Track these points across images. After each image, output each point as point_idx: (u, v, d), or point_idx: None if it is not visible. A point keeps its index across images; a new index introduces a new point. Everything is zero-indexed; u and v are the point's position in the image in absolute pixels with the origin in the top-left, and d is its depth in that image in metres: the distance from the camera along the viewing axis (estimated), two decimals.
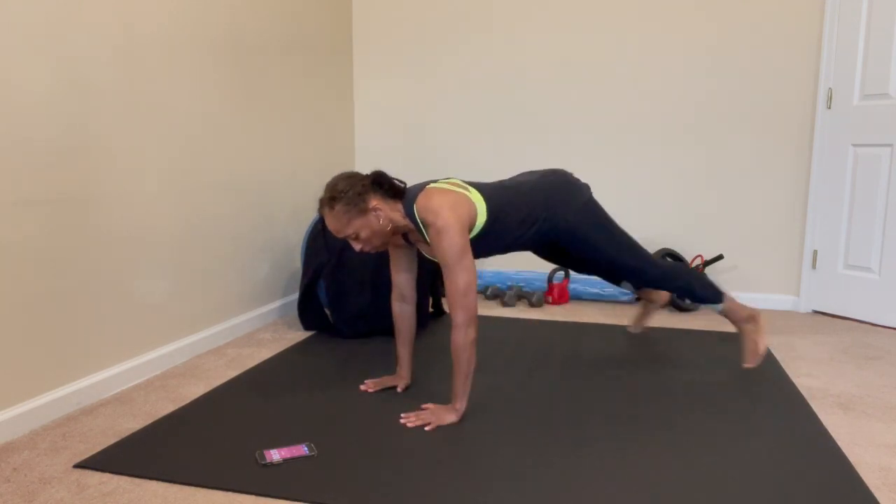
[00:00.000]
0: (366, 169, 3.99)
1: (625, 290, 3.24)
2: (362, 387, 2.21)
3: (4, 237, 1.82)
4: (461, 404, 1.95)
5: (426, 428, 1.89)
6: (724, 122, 3.43)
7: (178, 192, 2.50)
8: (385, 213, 1.95)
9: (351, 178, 1.93)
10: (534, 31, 3.62)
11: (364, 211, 1.92)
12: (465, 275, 1.85)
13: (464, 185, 2.03)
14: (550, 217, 2.12)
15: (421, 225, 1.93)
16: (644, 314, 2.87)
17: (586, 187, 2.24)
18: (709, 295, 2.36)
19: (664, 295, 2.74)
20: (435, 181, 2.05)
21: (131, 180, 2.27)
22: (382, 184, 1.95)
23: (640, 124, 3.54)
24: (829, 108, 3.21)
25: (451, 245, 1.85)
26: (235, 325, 2.86)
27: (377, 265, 2.78)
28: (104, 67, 2.13)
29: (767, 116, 3.36)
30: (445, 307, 3.40)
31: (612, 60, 3.53)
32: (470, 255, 1.88)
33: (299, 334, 2.92)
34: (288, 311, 3.31)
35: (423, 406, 2.03)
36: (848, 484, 1.59)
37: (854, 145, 3.13)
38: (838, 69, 3.16)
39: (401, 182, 2.03)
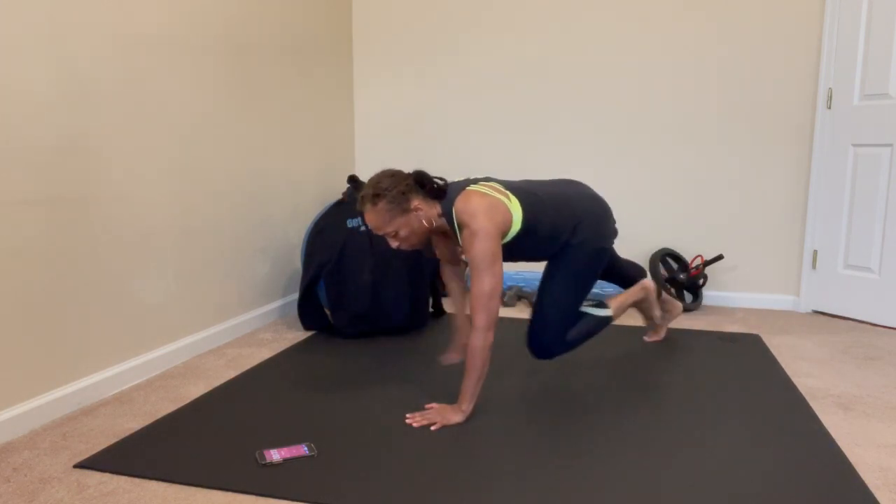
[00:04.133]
0: (366, 169, 3.99)
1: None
2: (444, 360, 2.33)
3: (4, 237, 1.82)
4: (468, 406, 1.95)
5: (432, 428, 1.89)
6: (724, 121, 3.42)
7: (178, 192, 2.50)
8: (425, 213, 1.96)
9: (395, 177, 1.95)
10: (534, 31, 3.62)
11: (406, 210, 1.94)
12: (493, 280, 1.86)
13: (503, 190, 2.02)
14: (572, 244, 2.11)
15: (457, 226, 1.95)
16: (661, 327, 2.80)
17: (613, 233, 2.22)
18: (601, 326, 2.34)
19: (652, 299, 2.68)
20: (475, 181, 2.05)
21: (131, 180, 2.27)
22: (424, 184, 1.97)
23: (640, 124, 3.54)
24: (829, 108, 3.21)
25: (482, 249, 1.86)
26: (235, 325, 2.86)
27: (377, 265, 2.78)
28: (104, 68, 2.13)
29: (767, 116, 3.36)
30: (446, 307, 3.40)
31: (612, 61, 3.53)
32: (500, 261, 1.89)
33: (299, 334, 2.92)
34: (288, 311, 3.31)
35: (428, 406, 2.03)
36: (848, 484, 1.59)
37: (854, 145, 3.13)
38: (838, 69, 3.16)
39: (441, 180, 2.04)
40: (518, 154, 3.74)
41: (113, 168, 2.18)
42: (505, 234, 1.97)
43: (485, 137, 3.77)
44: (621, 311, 2.42)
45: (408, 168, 3.90)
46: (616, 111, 3.56)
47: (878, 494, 1.56)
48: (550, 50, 3.61)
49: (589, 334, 2.30)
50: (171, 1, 2.41)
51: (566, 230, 2.09)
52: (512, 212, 1.97)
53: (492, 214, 1.90)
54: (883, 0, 2.96)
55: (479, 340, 1.88)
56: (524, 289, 3.63)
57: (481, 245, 1.85)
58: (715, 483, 1.59)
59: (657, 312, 2.68)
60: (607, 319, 2.35)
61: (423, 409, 2.03)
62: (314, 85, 3.47)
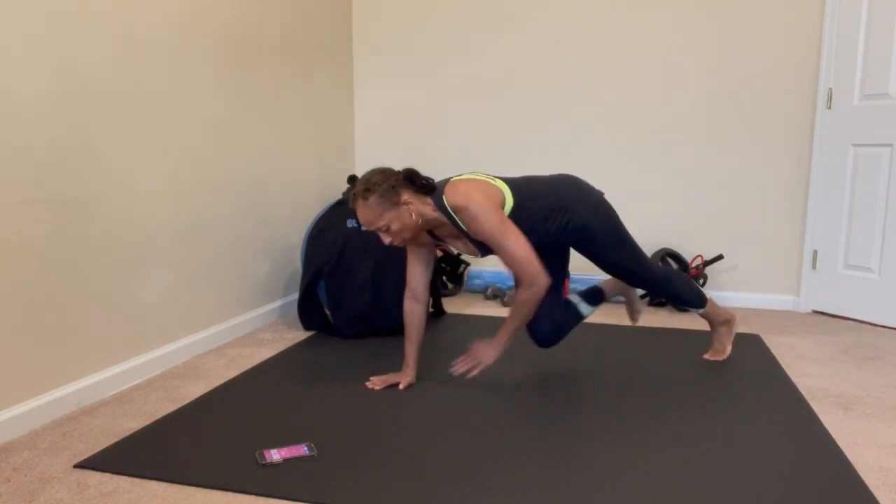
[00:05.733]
0: (366, 169, 3.99)
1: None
2: (368, 384, 2.24)
3: (4, 237, 1.82)
4: (502, 345, 2.08)
5: (470, 374, 2.08)
6: (724, 121, 3.42)
7: (178, 191, 2.50)
8: (416, 207, 2.00)
9: (385, 173, 2.00)
10: (534, 31, 3.62)
11: (396, 204, 1.97)
12: (515, 240, 1.94)
13: (488, 175, 2.10)
14: (570, 211, 2.13)
15: (453, 214, 1.98)
16: (633, 309, 2.79)
17: (597, 190, 2.27)
18: (694, 300, 2.41)
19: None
20: (459, 175, 2.12)
21: (131, 180, 2.27)
22: (414, 180, 2.01)
23: (640, 124, 3.54)
24: (829, 108, 3.21)
25: (489, 221, 1.92)
26: (235, 325, 2.86)
27: (377, 266, 2.78)
28: (104, 68, 2.13)
29: (767, 116, 3.36)
30: (446, 307, 3.40)
31: (612, 61, 3.53)
32: (511, 224, 1.96)
33: (299, 334, 2.92)
34: (288, 311, 3.31)
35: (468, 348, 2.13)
36: (848, 484, 1.59)
37: (854, 145, 3.13)
38: (838, 69, 3.16)
39: (430, 179, 2.09)
40: (518, 154, 3.73)
41: (113, 168, 2.18)
42: (502, 206, 2.03)
43: (485, 137, 3.77)
44: (709, 315, 2.53)
45: (412, 168, 3.90)
46: (616, 111, 3.56)
47: (878, 494, 1.56)
48: (551, 50, 3.61)
49: (678, 289, 2.38)
50: (172, 1, 2.41)
51: (557, 199, 2.12)
52: (501, 189, 2.05)
53: (483, 191, 1.99)
54: (883, 0, 2.96)
55: (527, 295, 1.97)
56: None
57: (486, 217, 1.92)
58: (715, 483, 1.59)
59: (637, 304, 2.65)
60: (703, 301, 2.45)
61: (457, 361, 2.13)
62: (314, 85, 3.47)
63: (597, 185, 3.63)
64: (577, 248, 2.25)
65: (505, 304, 3.44)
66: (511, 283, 3.65)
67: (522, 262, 1.94)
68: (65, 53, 1.98)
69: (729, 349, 2.56)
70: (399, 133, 3.91)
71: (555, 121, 3.66)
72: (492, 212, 1.93)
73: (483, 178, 2.07)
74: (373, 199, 1.95)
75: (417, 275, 2.22)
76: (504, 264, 1.97)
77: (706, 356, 2.57)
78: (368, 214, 1.98)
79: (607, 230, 2.19)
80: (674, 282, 2.35)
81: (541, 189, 2.13)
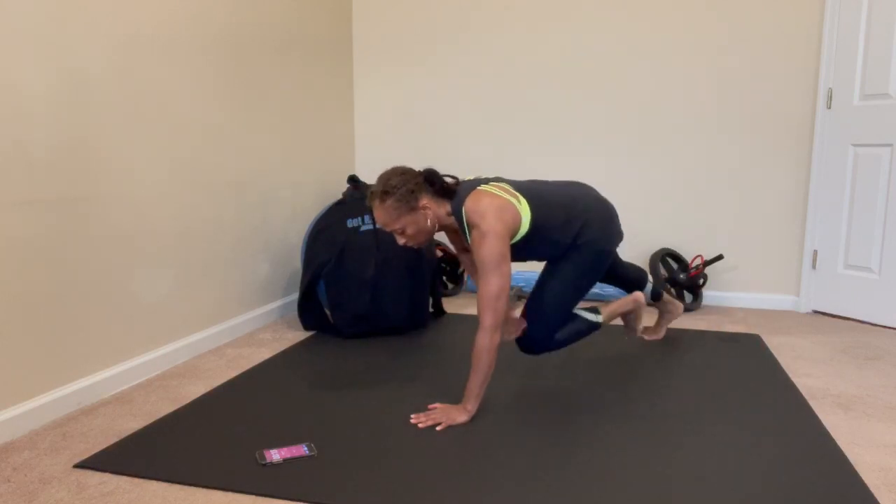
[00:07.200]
0: (366, 169, 3.99)
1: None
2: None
3: (4, 237, 1.82)
4: (473, 406, 1.95)
5: (437, 428, 1.89)
6: (724, 122, 3.42)
7: (178, 191, 2.50)
8: (433, 212, 1.98)
9: (405, 175, 1.96)
10: (535, 31, 3.62)
11: (414, 209, 1.95)
12: (500, 280, 1.87)
13: (512, 191, 2.03)
14: (578, 244, 2.11)
15: (466, 225, 1.96)
16: (634, 330, 2.69)
17: (618, 235, 2.21)
18: (591, 328, 2.34)
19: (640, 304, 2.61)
20: (485, 181, 2.06)
21: (131, 180, 2.27)
22: (434, 182, 1.98)
23: (640, 124, 3.54)
24: (829, 108, 3.21)
25: (491, 251, 1.86)
26: (235, 325, 2.86)
27: (377, 266, 2.78)
28: (104, 68, 2.13)
29: (767, 116, 3.36)
30: (446, 307, 3.40)
31: (611, 61, 3.53)
32: (508, 261, 1.90)
33: (299, 334, 2.92)
34: (288, 311, 3.31)
35: (431, 406, 2.03)
36: (848, 484, 1.59)
37: (854, 145, 3.13)
38: (838, 69, 3.16)
39: (452, 178, 2.06)
40: (519, 153, 3.73)
41: (113, 168, 2.18)
42: (514, 234, 1.99)
43: (485, 137, 3.77)
44: (611, 318, 2.43)
45: (412, 167, 3.90)
46: (616, 111, 3.56)
47: (877, 494, 1.56)
48: (551, 49, 3.61)
49: (578, 335, 2.31)
50: (171, 1, 2.41)
51: (573, 231, 2.09)
52: (521, 213, 1.99)
53: (501, 215, 1.92)
54: (883, 0, 2.96)
55: (486, 340, 1.88)
56: (524, 289, 3.62)
57: (490, 246, 1.86)
58: (715, 483, 1.59)
59: (640, 326, 2.58)
60: (596, 325, 2.36)
61: (427, 409, 2.03)
62: (314, 85, 3.47)
63: (598, 185, 3.63)
64: (548, 263, 2.20)
65: None
66: (511, 283, 3.65)
67: (497, 299, 1.86)
68: (65, 54, 1.98)
69: (640, 326, 2.56)
70: (399, 133, 3.90)
71: (555, 121, 3.65)
72: (499, 241, 1.87)
73: (508, 195, 1.98)
74: (390, 202, 1.94)
75: (459, 242, 2.25)
76: (477, 296, 1.90)
77: (645, 336, 2.72)
78: (385, 216, 1.96)
79: (573, 272, 2.14)
80: (563, 344, 2.27)
81: (561, 216, 2.06)
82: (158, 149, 2.38)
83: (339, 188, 3.80)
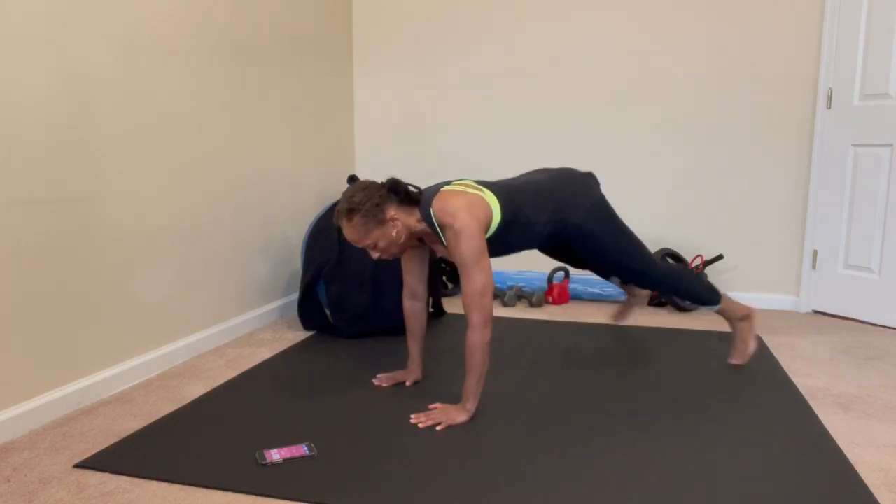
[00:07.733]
0: (366, 169, 3.99)
1: (621, 289, 3.23)
2: (375, 381, 2.25)
3: (4, 237, 1.82)
4: (472, 404, 1.95)
5: (437, 428, 1.89)
6: (724, 121, 3.42)
7: (178, 192, 2.50)
8: (402, 221, 1.96)
9: (368, 190, 1.94)
10: (535, 30, 3.62)
11: (382, 222, 1.93)
12: (483, 276, 1.86)
13: (477, 185, 2.03)
14: (560, 218, 2.12)
15: (438, 228, 1.94)
16: (627, 308, 2.77)
17: (595, 184, 2.24)
18: (707, 296, 2.38)
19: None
20: (448, 183, 2.06)
21: (131, 180, 2.27)
22: (399, 192, 1.96)
23: (640, 124, 3.54)
24: (829, 108, 3.21)
25: (468, 247, 1.85)
26: (235, 325, 2.86)
27: (377, 265, 2.78)
28: (104, 68, 2.13)
29: (767, 116, 3.36)
30: (446, 307, 3.39)
31: (612, 60, 3.53)
32: (487, 256, 1.89)
33: (299, 334, 2.92)
34: (288, 311, 3.31)
35: (431, 406, 2.03)
36: (848, 484, 1.59)
37: (854, 145, 3.13)
38: (838, 69, 3.16)
39: (415, 188, 2.05)
40: (519, 153, 3.74)
41: (113, 168, 2.18)
42: (487, 227, 1.98)
43: (486, 136, 3.77)
44: (724, 312, 2.44)
45: (408, 168, 3.91)
46: (616, 111, 3.56)
47: (877, 494, 1.56)
48: (551, 49, 3.61)
49: (700, 284, 2.35)
50: (172, 2, 2.41)
51: (549, 207, 2.10)
52: (490, 205, 1.98)
53: (472, 210, 1.91)
54: (883, 0, 2.96)
55: (476, 338, 1.88)
56: (524, 289, 3.63)
57: (467, 243, 1.86)
58: (715, 483, 1.59)
59: (633, 311, 2.64)
60: (715, 295, 2.39)
61: (427, 409, 2.03)
62: (314, 85, 3.47)
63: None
64: (577, 250, 2.23)
65: (504, 304, 3.44)
66: (511, 282, 3.65)
67: (482, 296, 1.85)
68: (65, 54, 1.98)
69: (752, 346, 2.43)
70: (399, 133, 3.91)
71: (555, 120, 3.66)
72: (474, 235, 1.86)
73: (474, 190, 1.99)
74: (357, 219, 1.91)
75: (413, 273, 2.19)
76: (462, 295, 1.89)
77: (732, 361, 2.46)
78: (354, 234, 1.94)
79: (607, 230, 2.17)
80: (683, 279, 2.33)
81: (531, 198, 2.08)
82: (158, 149, 2.38)
83: (339, 188, 3.80)
